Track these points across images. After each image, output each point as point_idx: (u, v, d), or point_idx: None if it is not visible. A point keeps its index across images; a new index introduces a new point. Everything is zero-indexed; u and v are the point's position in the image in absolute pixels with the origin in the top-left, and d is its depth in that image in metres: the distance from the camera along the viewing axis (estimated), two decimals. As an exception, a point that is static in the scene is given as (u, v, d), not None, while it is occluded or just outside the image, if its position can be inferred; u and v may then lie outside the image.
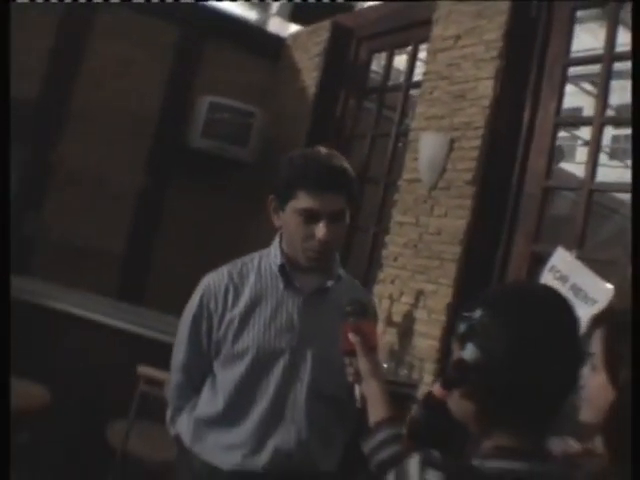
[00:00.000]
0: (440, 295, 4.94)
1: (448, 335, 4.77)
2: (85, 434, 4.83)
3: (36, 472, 4.31)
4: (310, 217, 2.61)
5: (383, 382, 2.40)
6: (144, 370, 4.34)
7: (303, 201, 2.60)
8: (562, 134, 7.85)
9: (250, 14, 8.09)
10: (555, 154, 5.18)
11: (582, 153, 8.31)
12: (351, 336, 2.40)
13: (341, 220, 2.67)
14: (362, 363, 2.36)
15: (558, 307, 1.76)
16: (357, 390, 2.38)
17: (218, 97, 7.17)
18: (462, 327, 1.74)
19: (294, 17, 7.96)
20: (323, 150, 2.71)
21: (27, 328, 5.12)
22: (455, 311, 4.81)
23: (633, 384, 1.75)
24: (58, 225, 6.66)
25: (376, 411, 2.28)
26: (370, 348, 2.40)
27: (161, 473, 3.99)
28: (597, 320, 2.16)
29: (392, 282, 5.38)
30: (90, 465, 4.65)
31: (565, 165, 7.80)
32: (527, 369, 1.65)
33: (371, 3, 7.15)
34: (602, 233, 6.80)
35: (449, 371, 1.74)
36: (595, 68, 5.08)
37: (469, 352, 1.69)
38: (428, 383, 4.75)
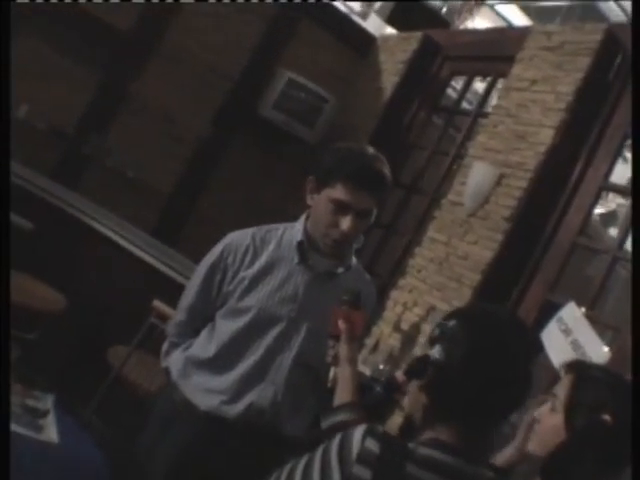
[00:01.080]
0: None
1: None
2: (89, 348, 5.06)
3: (34, 368, 4.51)
4: (340, 208, 2.75)
5: (356, 370, 2.59)
6: (158, 304, 4.50)
7: (339, 192, 2.74)
8: (621, 200, 7.93)
9: (354, 4, 8.27)
10: (607, 217, 5.33)
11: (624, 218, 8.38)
12: (340, 322, 2.58)
13: (367, 218, 2.82)
14: (343, 349, 2.55)
15: (520, 335, 1.97)
16: (332, 371, 2.56)
17: (298, 75, 7.37)
18: (436, 331, 1.96)
19: (391, 19, 8.11)
20: (370, 150, 2.86)
21: (60, 237, 5.35)
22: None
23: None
24: (117, 152, 6.89)
25: (343, 394, 2.47)
26: (353, 337, 2.59)
27: (147, 402, 4.17)
28: (569, 367, 2.32)
29: (410, 291, 5.55)
30: (86, 377, 4.86)
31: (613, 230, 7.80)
32: (478, 378, 1.86)
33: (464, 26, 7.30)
34: (621, 300, 6.90)
35: (413, 363, 1.98)
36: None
37: (435, 351, 1.91)
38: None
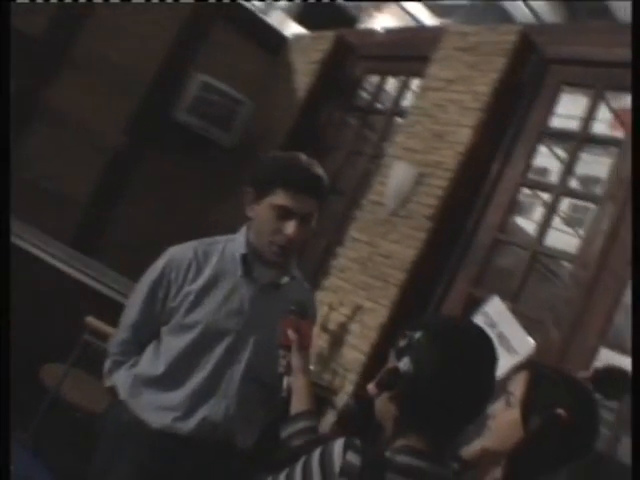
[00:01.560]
0: (376, 314, 5.19)
1: (375, 352, 5.06)
2: (20, 371, 4.95)
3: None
4: (283, 214, 2.78)
5: (309, 379, 2.64)
6: (91, 320, 4.42)
7: (281, 198, 2.77)
8: (527, 191, 8.12)
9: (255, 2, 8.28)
10: (513, 208, 5.46)
11: (539, 212, 8.59)
12: (290, 333, 2.62)
13: (309, 222, 2.86)
14: (295, 358, 2.59)
15: (484, 345, 2.06)
16: (285, 381, 2.58)
17: (212, 78, 7.34)
18: (402, 342, 2.03)
19: (300, 19, 8.14)
20: (304, 156, 2.89)
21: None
22: (386, 331, 5.09)
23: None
24: (31, 163, 6.76)
25: (299, 403, 2.52)
26: (304, 347, 2.63)
27: (89, 423, 4.11)
28: (523, 366, 2.41)
29: (335, 292, 5.61)
30: (20, 400, 4.77)
31: (521, 220, 7.99)
32: (447, 389, 1.95)
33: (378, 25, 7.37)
34: (538, 293, 7.08)
35: (384, 376, 2.03)
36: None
37: (403, 363, 1.98)
38: (348, 392, 5.00)
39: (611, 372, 2.89)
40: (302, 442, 2.41)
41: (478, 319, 4.44)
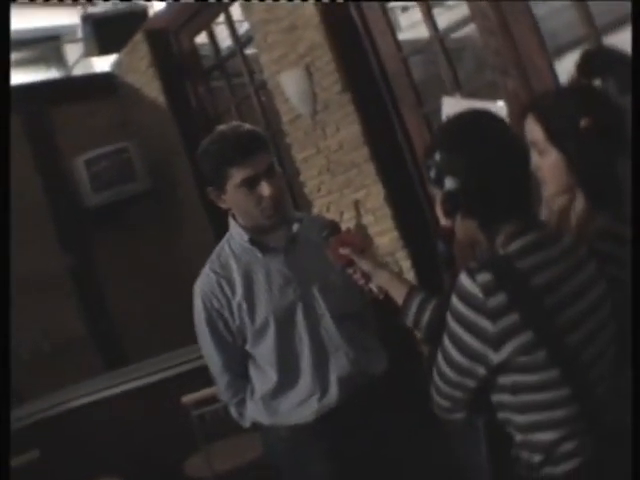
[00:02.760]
0: (374, 194, 5.25)
1: (401, 221, 5.17)
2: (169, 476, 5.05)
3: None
4: (251, 183, 2.85)
5: (389, 268, 2.73)
6: (188, 399, 4.54)
7: (239, 175, 2.84)
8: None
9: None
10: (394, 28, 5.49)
11: (404, 19, 8.60)
12: (340, 250, 2.66)
13: (274, 171, 2.94)
14: (363, 264, 2.63)
15: (489, 115, 2.18)
16: (373, 287, 2.63)
17: (88, 152, 7.29)
18: (432, 172, 2.11)
19: (103, 50, 7.92)
20: (226, 126, 2.98)
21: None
22: (392, 198, 5.20)
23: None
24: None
25: (398, 291, 2.57)
26: (362, 250, 2.68)
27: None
28: (523, 112, 2.45)
29: (328, 210, 5.65)
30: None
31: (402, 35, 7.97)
32: (490, 174, 2.05)
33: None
34: (467, 69, 7.14)
35: (443, 203, 2.10)
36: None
37: (448, 184, 2.07)
38: (408, 268, 5.11)
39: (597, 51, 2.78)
40: (429, 313, 2.47)
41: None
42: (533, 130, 2.39)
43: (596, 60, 2.44)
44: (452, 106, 4.59)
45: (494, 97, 4.72)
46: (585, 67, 2.42)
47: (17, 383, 6.31)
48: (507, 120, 4.06)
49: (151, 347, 6.20)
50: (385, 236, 5.24)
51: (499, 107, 4.57)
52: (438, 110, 4.83)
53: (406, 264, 5.14)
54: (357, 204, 5.39)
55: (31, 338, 6.67)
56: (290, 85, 5.53)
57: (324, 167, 5.58)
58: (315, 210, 5.79)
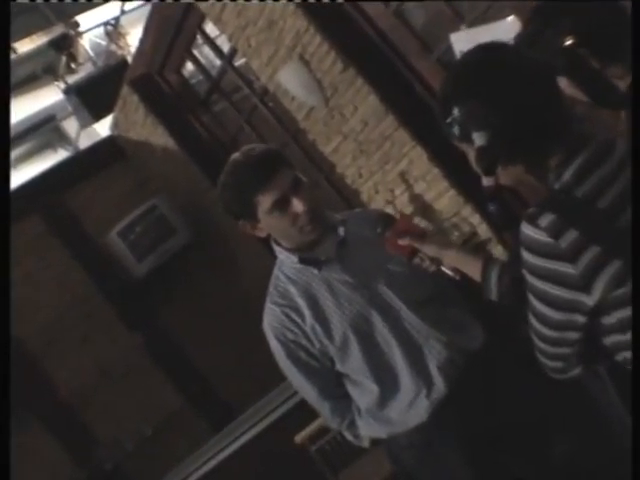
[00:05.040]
0: (417, 160, 5.02)
1: (453, 177, 4.90)
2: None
3: None
4: (281, 205, 2.69)
5: (456, 245, 2.63)
6: (301, 437, 4.48)
7: (266, 200, 2.69)
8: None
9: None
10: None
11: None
12: (400, 242, 2.53)
13: (302, 184, 2.78)
14: (428, 250, 2.50)
15: (506, 57, 1.96)
16: (446, 270, 2.50)
17: (117, 224, 7.17)
18: (456, 130, 1.91)
19: (96, 116, 7.81)
20: (238, 154, 2.81)
21: None
22: (438, 157, 4.93)
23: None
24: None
25: (474, 268, 2.43)
26: (422, 236, 2.54)
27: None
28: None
29: (377, 192, 5.45)
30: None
31: None
32: (522, 115, 1.86)
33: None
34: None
35: (480, 162, 1.90)
36: None
37: (478, 140, 1.86)
38: (478, 222, 4.88)
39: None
40: (507, 280, 2.33)
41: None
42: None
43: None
44: (462, 41, 4.45)
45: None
46: None
47: (131, 474, 6.39)
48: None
49: (250, 392, 6.11)
50: (443, 198, 5.01)
51: (510, 23, 4.37)
52: (449, 50, 4.63)
53: (475, 219, 4.89)
54: (403, 176, 5.15)
55: (132, 429, 6.64)
56: (291, 81, 5.33)
57: (356, 151, 5.36)
58: (364, 197, 5.57)
